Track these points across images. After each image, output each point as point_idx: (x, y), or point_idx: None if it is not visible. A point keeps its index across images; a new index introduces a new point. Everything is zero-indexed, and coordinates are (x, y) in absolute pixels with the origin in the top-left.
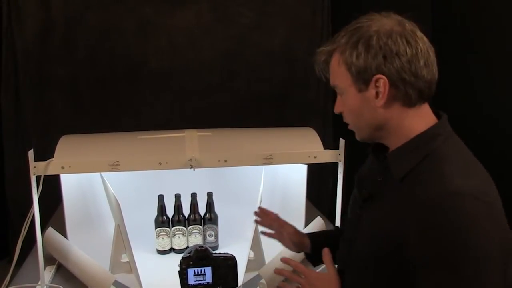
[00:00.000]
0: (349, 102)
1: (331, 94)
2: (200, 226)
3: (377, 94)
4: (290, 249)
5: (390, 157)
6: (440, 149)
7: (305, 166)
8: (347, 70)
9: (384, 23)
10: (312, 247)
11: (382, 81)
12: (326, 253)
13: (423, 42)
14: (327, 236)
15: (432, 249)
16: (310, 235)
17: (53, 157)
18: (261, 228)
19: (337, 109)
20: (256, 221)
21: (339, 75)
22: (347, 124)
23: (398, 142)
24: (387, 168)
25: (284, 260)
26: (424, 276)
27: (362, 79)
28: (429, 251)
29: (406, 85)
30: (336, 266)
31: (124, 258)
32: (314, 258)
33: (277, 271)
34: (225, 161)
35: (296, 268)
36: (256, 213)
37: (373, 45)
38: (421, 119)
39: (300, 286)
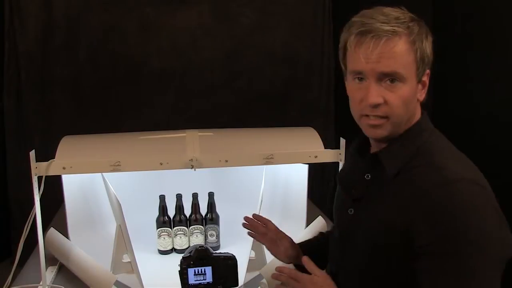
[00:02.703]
0: (405, 92)
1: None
2: (201, 226)
3: (422, 87)
4: (282, 261)
5: (382, 155)
6: (428, 144)
7: (306, 166)
8: (416, 59)
9: None
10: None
11: (428, 76)
12: (306, 261)
13: None
14: (321, 245)
15: (440, 234)
16: (304, 247)
17: (54, 158)
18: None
19: (379, 99)
20: (249, 233)
21: (405, 63)
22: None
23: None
24: (376, 166)
25: (279, 269)
26: (429, 262)
27: (422, 70)
28: (438, 237)
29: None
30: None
31: (126, 259)
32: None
33: (274, 277)
34: (226, 161)
35: (290, 275)
36: (247, 222)
37: (431, 40)
38: (418, 114)
39: None
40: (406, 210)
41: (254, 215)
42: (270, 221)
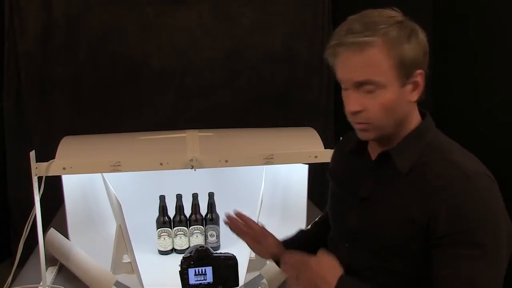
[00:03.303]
0: (386, 98)
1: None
2: (201, 227)
3: (413, 88)
4: (264, 258)
5: (393, 153)
6: (435, 141)
7: (306, 166)
8: (396, 64)
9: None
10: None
11: (421, 76)
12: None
13: None
14: (307, 241)
15: (464, 224)
16: (289, 244)
17: (54, 158)
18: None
19: (356, 107)
20: (231, 229)
21: (382, 70)
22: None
23: (399, 137)
24: (382, 165)
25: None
26: (452, 251)
27: (407, 73)
28: (461, 227)
29: (425, 80)
30: None
31: (126, 259)
32: None
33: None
34: (226, 161)
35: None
36: (229, 219)
37: (421, 40)
38: (416, 113)
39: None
40: (427, 204)
41: (236, 213)
42: (251, 220)
